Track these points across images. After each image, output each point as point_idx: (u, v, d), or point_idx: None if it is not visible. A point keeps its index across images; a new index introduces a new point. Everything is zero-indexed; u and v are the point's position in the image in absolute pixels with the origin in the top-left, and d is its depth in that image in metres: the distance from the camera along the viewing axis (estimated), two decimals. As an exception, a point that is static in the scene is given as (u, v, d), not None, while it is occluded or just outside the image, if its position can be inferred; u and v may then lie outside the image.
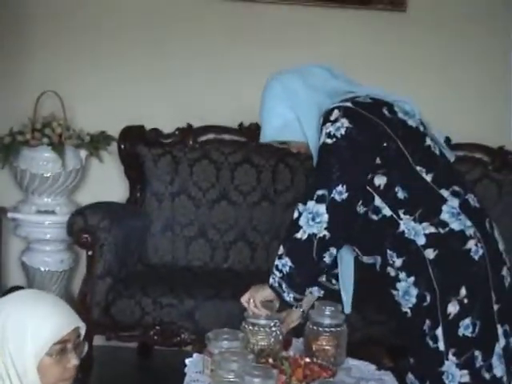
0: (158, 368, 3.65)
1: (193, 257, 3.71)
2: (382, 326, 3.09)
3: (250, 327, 2.22)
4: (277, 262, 2.09)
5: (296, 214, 2.07)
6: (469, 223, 2.04)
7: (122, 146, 3.77)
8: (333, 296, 2.34)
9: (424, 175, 2.06)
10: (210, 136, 3.86)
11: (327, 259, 2.07)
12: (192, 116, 3.87)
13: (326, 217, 2.02)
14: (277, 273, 2.08)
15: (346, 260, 2.28)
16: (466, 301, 2.00)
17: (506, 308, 2.06)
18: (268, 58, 3.81)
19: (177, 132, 3.85)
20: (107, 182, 3.92)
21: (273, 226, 3.71)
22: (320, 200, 2.03)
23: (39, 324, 1.58)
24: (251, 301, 2.19)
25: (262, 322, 2.21)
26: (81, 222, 3.27)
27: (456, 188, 2.08)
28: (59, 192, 3.74)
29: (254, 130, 3.83)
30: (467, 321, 2.00)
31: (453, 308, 2.00)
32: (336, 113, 2.06)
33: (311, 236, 2.03)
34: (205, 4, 3.91)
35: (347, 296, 2.32)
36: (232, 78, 3.92)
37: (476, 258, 2.03)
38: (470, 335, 2.01)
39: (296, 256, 2.06)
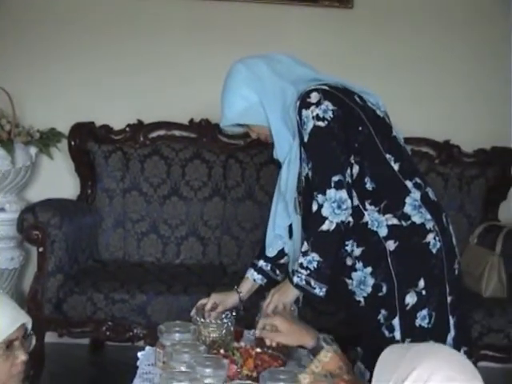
0: (111, 363, 3.64)
1: (144, 252, 3.72)
2: (331, 316, 3.14)
3: (202, 319, 2.23)
4: (301, 259, 2.03)
5: (315, 207, 2.02)
6: (429, 216, 2.08)
7: (72, 143, 3.76)
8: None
9: (392, 163, 2.08)
10: (161, 132, 3.87)
11: (349, 248, 2.09)
12: (142, 112, 3.88)
13: (349, 202, 2.01)
14: (303, 271, 2.02)
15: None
16: (423, 292, 2.04)
17: (456, 300, 2.11)
18: (218, 55, 3.82)
19: (127, 128, 3.85)
20: (57, 179, 3.91)
21: (224, 221, 3.74)
22: (339, 186, 2.00)
23: None
24: (280, 307, 2.13)
25: (213, 314, 2.23)
26: (31, 218, 3.25)
27: (418, 180, 2.12)
28: (9, 189, 3.71)
29: (204, 125, 3.85)
30: (424, 312, 2.05)
31: (411, 299, 2.04)
32: (316, 95, 2.05)
33: (339, 225, 2.01)
34: (156, 1, 3.91)
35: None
36: (182, 75, 3.93)
37: (434, 251, 2.07)
38: (426, 326, 2.05)
39: (324, 249, 2.02)
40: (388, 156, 2.09)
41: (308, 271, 2.02)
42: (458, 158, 3.83)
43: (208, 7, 3.91)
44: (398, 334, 2.05)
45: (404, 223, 2.05)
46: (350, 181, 2.03)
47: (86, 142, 3.77)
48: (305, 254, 2.03)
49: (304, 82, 2.13)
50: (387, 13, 3.92)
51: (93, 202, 3.76)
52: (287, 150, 2.15)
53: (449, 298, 2.09)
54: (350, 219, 2.04)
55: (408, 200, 2.07)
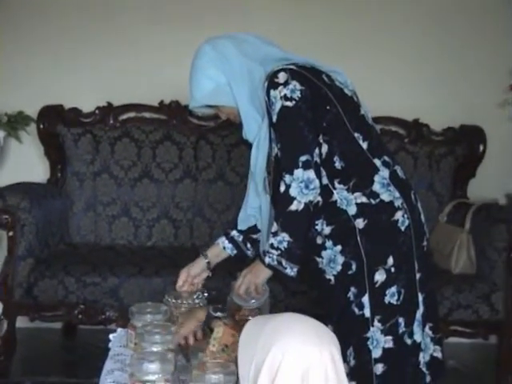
0: (84, 347, 3.62)
1: (116, 235, 3.71)
2: (304, 295, 3.17)
3: (173, 300, 2.24)
4: (272, 240, 2.04)
5: (283, 187, 2.02)
6: (397, 194, 2.09)
7: (41, 126, 3.74)
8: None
9: (361, 142, 2.09)
10: (131, 114, 3.85)
11: (319, 227, 2.10)
12: (112, 95, 3.85)
13: (317, 182, 2.01)
14: (273, 251, 2.03)
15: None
16: (392, 270, 2.06)
17: (425, 277, 2.13)
18: (186, 37, 3.80)
19: (97, 111, 3.82)
20: (27, 163, 3.87)
21: (195, 203, 3.74)
22: (306, 166, 2.00)
23: None
24: (252, 288, 2.14)
25: (185, 294, 2.24)
26: (0, 202, 3.22)
27: (386, 158, 2.13)
28: (-23, 174, 3.68)
29: (174, 107, 3.84)
30: (393, 289, 2.06)
31: (380, 276, 2.05)
32: (283, 75, 2.04)
33: (308, 204, 2.01)
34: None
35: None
36: (152, 56, 3.90)
37: (403, 228, 2.08)
38: (395, 303, 2.06)
39: (293, 229, 2.02)
40: (356, 135, 2.09)
41: (279, 251, 2.03)
42: (427, 136, 3.85)
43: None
44: (367, 312, 2.06)
45: (373, 201, 2.06)
46: (318, 160, 2.04)
47: (55, 125, 3.74)
48: (275, 234, 2.04)
49: (272, 61, 2.13)
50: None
51: (63, 185, 3.74)
52: (256, 131, 2.15)
53: (417, 275, 2.11)
54: (319, 199, 2.05)
55: (377, 178, 2.08)
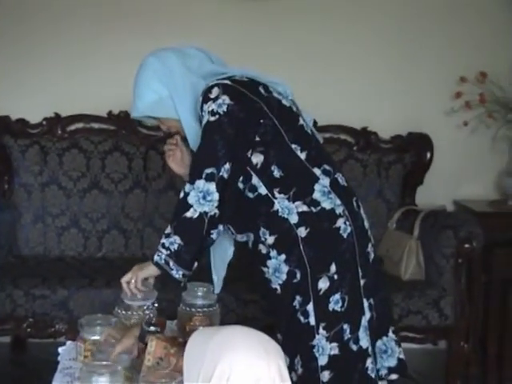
0: (33, 361, 3.58)
1: (65, 247, 3.67)
2: (255, 304, 3.16)
3: (123, 312, 2.23)
4: (163, 240, 2.08)
5: (182, 194, 2.07)
6: (338, 202, 2.11)
7: (-13, 138, 3.68)
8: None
9: (299, 153, 2.11)
10: (79, 125, 3.82)
11: (215, 236, 2.11)
12: (59, 105, 3.81)
13: (216, 195, 2.04)
14: (163, 250, 2.07)
15: (219, 240, 2.26)
16: (335, 277, 2.07)
17: (370, 283, 2.15)
18: (137, 46, 3.77)
19: (44, 122, 3.78)
20: (-28, 175, 3.81)
21: (146, 213, 3.72)
22: (209, 178, 2.03)
23: None
24: (132, 281, 2.17)
25: (137, 304, 2.22)
26: None
27: (326, 167, 2.15)
28: None
29: (123, 117, 3.81)
30: (337, 296, 2.08)
31: (323, 284, 2.07)
32: (216, 90, 2.07)
33: (202, 214, 2.04)
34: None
35: (218, 276, 2.36)
36: (100, 67, 3.87)
37: (345, 235, 2.10)
38: (339, 310, 2.08)
39: (186, 234, 2.06)
40: (294, 146, 2.12)
41: (168, 251, 2.07)
42: (375, 144, 3.89)
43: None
44: (312, 320, 2.07)
45: (314, 209, 2.08)
46: (225, 176, 2.05)
47: (2, 137, 3.69)
48: (167, 235, 2.08)
49: (214, 76, 2.16)
50: (302, 1, 3.94)
51: (10, 197, 3.69)
52: (195, 143, 2.17)
53: (362, 281, 2.13)
54: (216, 211, 2.06)
55: (317, 187, 2.10)
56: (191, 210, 2.04)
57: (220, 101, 2.06)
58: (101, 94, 3.84)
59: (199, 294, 2.33)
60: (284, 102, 2.18)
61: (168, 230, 2.08)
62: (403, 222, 3.65)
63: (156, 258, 2.10)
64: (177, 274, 2.08)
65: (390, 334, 2.20)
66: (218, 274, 2.36)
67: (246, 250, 2.23)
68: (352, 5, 3.98)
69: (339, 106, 3.92)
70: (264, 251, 2.13)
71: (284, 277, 2.09)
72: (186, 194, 2.05)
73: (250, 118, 2.09)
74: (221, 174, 2.04)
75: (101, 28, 3.87)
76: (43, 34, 3.84)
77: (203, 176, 2.04)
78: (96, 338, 2.10)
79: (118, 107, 3.79)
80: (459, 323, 3.35)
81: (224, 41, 3.76)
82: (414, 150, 3.87)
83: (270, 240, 2.11)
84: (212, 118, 2.06)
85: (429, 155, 3.86)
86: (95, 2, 3.87)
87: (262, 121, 2.09)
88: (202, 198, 2.04)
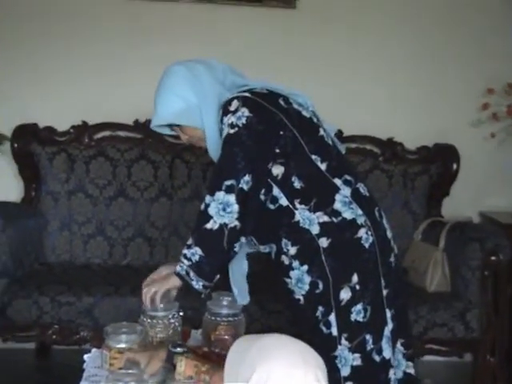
0: (58, 367, 3.59)
1: (91, 254, 3.69)
2: (280, 315, 3.16)
3: (149, 320, 2.22)
4: (185, 251, 2.08)
5: (203, 206, 2.06)
6: (360, 212, 2.10)
7: (16, 145, 3.71)
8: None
9: (319, 164, 2.10)
10: (106, 133, 3.84)
11: (237, 248, 2.10)
12: (87, 113, 3.84)
13: (236, 207, 2.02)
14: (185, 261, 2.07)
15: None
16: (357, 287, 2.06)
17: (392, 293, 2.13)
18: (163, 55, 3.79)
19: (71, 130, 3.81)
20: (1, 182, 3.85)
21: (171, 222, 3.73)
22: (229, 190, 2.02)
23: None
24: (153, 291, 2.14)
25: (160, 314, 2.22)
26: (-27, 222, 3.19)
27: (347, 177, 2.14)
28: (-50, 193, 3.64)
29: (149, 126, 3.82)
30: (359, 306, 2.06)
31: (345, 294, 2.05)
32: (235, 103, 2.07)
33: (222, 226, 2.03)
34: (100, 2, 3.88)
35: (238, 288, 2.34)
36: (126, 75, 3.90)
37: (367, 245, 2.09)
38: (361, 320, 2.06)
39: (206, 246, 2.05)
40: (314, 157, 2.11)
41: (189, 262, 2.07)
42: (401, 155, 3.88)
43: (150, 7, 3.90)
44: (334, 330, 2.06)
45: (335, 220, 2.08)
46: (245, 188, 2.04)
47: (30, 144, 3.72)
48: (189, 246, 2.08)
49: (236, 88, 2.16)
50: (329, 13, 3.94)
51: (37, 204, 3.72)
52: (216, 156, 2.16)
53: (384, 292, 2.11)
54: (237, 223, 2.05)
55: (338, 197, 2.09)
56: (211, 221, 2.04)
57: (239, 113, 2.05)
58: (127, 102, 3.87)
59: (224, 303, 2.32)
60: (304, 113, 2.17)
61: (189, 241, 2.08)
62: (429, 234, 3.63)
63: (178, 268, 2.10)
64: (197, 284, 2.08)
65: (398, 345, 2.17)
66: (238, 286, 2.35)
67: (269, 261, 2.22)
68: (377, 17, 3.98)
69: (365, 117, 3.92)
70: (286, 262, 2.12)
71: (307, 287, 2.09)
72: (207, 206, 2.05)
73: (269, 130, 2.08)
74: (240, 185, 2.03)
75: (128, 38, 3.90)
76: (72, 42, 3.88)
77: (223, 188, 2.03)
78: (121, 346, 2.10)
79: (145, 116, 3.81)
80: (485, 336, 3.32)
81: (252, 51, 3.79)
82: (441, 161, 3.85)
83: (292, 251, 2.10)
84: (231, 131, 2.05)
85: (455, 166, 3.84)
86: (124, 15, 3.90)
87: (281, 132, 2.08)
88: (222, 209, 2.03)
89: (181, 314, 2.29)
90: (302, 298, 2.11)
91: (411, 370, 2.18)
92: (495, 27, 3.96)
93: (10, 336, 3.20)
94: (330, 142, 2.20)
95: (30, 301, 3.17)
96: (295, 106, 2.16)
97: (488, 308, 3.32)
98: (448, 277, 3.43)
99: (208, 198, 2.05)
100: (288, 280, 2.13)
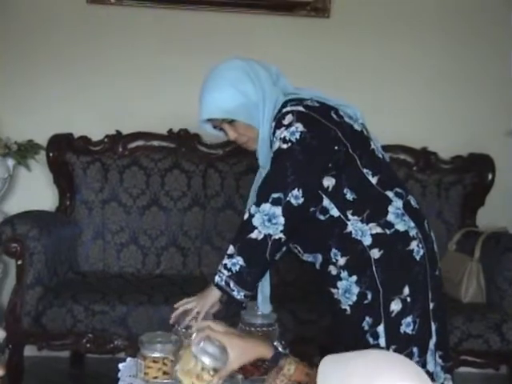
0: (92, 376, 3.61)
1: (124, 263, 3.71)
2: (313, 324, 3.15)
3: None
4: (226, 261, 2.05)
5: (246, 216, 2.05)
6: (412, 224, 2.09)
7: (51, 155, 3.75)
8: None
9: (370, 178, 2.09)
10: (139, 143, 3.86)
11: (277, 257, 2.08)
12: (121, 123, 3.87)
13: (282, 219, 2.01)
14: (225, 271, 2.05)
15: None
16: (408, 299, 2.06)
17: (438, 306, 2.13)
18: (195, 65, 3.82)
19: (106, 139, 3.84)
20: (36, 191, 3.89)
21: (204, 231, 3.74)
22: (276, 203, 2.00)
23: None
24: (195, 312, 2.13)
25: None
26: (9, 231, 3.22)
27: (398, 190, 2.13)
28: (-14, 202, 3.68)
29: (183, 135, 3.85)
30: (409, 319, 2.06)
31: (396, 306, 2.05)
32: (289, 117, 2.04)
33: (267, 236, 2.02)
34: (129, 12, 3.91)
35: (263, 296, 2.33)
36: (160, 85, 3.92)
37: (418, 258, 2.09)
38: (410, 332, 2.06)
39: (249, 255, 2.04)
40: (366, 170, 2.10)
41: (230, 273, 2.05)
42: (435, 164, 3.85)
43: (183, 16, 3.92)
44: (382, 341, 2.06)
45: (388, 231, 2.07)
46: (293, 201, 2.01)
47: (65, 154, 3.75)
48: (230, 256, 2.05)
49: (285, 93, 2.14)
50: (363, 22, 3.94)
51: (72, 213, 3.74)
52: (264, 159, 2.16)
53: (431, 305, 2.11)
54: (281, 236, 2.03)
55: (391, 209, 2.09)
56: (256, 231, 2.02)
57: (293, 128, 2.03)
58: (161, 111, 3.90)
59: (258, 312, 2.32)
60: (355, 126, 2.15)
61: (231, 250, 2.06)
62: (463, 244, 3.60)
63: (217, 279, 2.08)
64: (238, 295, 2.06)
65: (437, 357, 2.15)
66: (264, 293, 2.34)
67: (305, 271, 2.22)
68: (413, 27, 3.97)
69: (399, 126, 3.90)
70: (334, 272, 2.12)
71: (354, 298, 2.09)
72: (251, 216, 2.04)
73: (323, 145, 2.05)
74: (288, 199, 2.01)
75: (162, 47, 3.93)
76: (105, 52, 3.92)
77: (270, 200, 2.01)
78: (156, 355, 2.10)
79: (178, 125, 3.83)
80: (521, 348, 3.27)
81: (286, 61, 3.78)
82: (475, 171, 3.81)
83: (342, 261, 2.10)
84: (284, 146, 2.03)
85: (490, 176, 3.80)
86: (158, 24, 3.93)
87: (336, 147, 2.07)
88: (267, 220, 2.01)
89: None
90: (348, 308, 2.11)
91: (449, 383, 2.16)
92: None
93: (44, 344, 3.22)
94: (380, 155, 2.19)
95: (65, 309, 3.19)
96: (347, 120, 2.14)
97: (524, 319, 3.28)
98: (483, 287, 3.39)
99: (253, 209, 2.04)
100: (334, 290, 2.13)
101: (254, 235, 2.02)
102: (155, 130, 3.87)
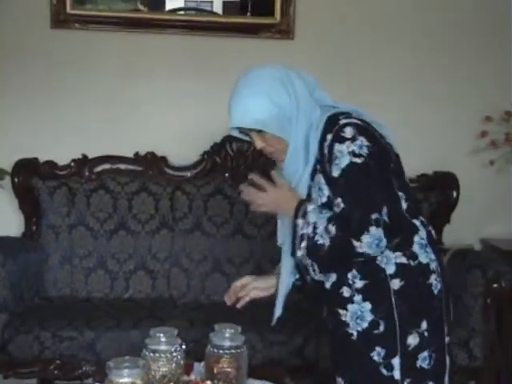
0: (60, 403, 3.57)
1: (92, 288, 3.67)
2: (282, 346, 3.15)
3: (151, 354, 2.21)
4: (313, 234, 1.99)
5: (357, 244, 1.93)
6: (433, 256, 2.06)
7: (16, 180, 3.72)
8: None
9: (403, 202, 2.05)
10: (106, 166, 3.85)
11: None
12: (87, 147, 3.85)
13: (384, 241, 1.95)
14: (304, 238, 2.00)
15: (287, 267, 2.21)
16: (426, 334, 2.03)
17: (451, 340, 2.12)
18: (159, 88, 3.86)
19: (72, 163, 3.82)
20: (1, 216, 3.85)
21: (172, 254, 3.72)
22: (378, 224, 1.92)
23: None
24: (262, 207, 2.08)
25: (163, 348, 2.21)
26: (-26, 257, 3.19)
27: (422, 218, 2.11)
28: (-49, 228, 3.64)
29: (150, 158, 3.85)
30: (425, 353, 2.03)
31: (413, 340, 2.02)
32: (350, 130, 1.98)
33: (363, 254, 1.95)
34: (96, 36, 3.92)
35: (280, 300, 2.29)
36: (126, 108, 3.92)
37: (436, 292, 2.06)
38: (426, 367, 2.03)
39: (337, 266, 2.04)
40: (400, 194, 2.05)
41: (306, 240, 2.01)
42: (401, 183, 3.88)
43: (147, 40, 3.93)
44: (397, 374, 2.02)
45: (412, 263, 2.03)
46: (386, 219, 1.96)
47: (31, 179, 3.73)
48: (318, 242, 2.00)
49: (321, 105, 2.08)
50: (327, 44, 3.98)
51: (38, 238, 3.71)
52: (294, 173, 2.09)
53: (446, 339, 2.09)
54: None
55: (416, 239, 2.05)
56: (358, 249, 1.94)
57: (359, 142, 1.96)
58: (127, 135, 3.89)
59: (227, 335, 2.31)
60: (394, 147, 2.12)
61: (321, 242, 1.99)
62: (430, 262, 3.61)
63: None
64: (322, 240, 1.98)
65: None
66: (281, 298, 2.28)
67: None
68: (377, 49, 4.02)
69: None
70: (347, 294, 2.06)
71: (365, 325, 2.03)
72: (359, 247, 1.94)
73: (385, 161, 2.02)
74: (383, 217, 1.95)
75: (127, 69, 3.93)
76: (71, 76, 3.90)
77: (372, 223, 1.91)
78: (124, 380, 2.08)
79: (145, 148, 3.83)
80: (489, 364, 3.29)
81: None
82: (440, 189, 3.85)
83: (359, 284, 2.04)
84: (357, 160, 1.94)
85: (455, 194, 3.83)
86: (123, 47, 3.94)
87: (392, 165, 2.04)
88: (376, 245, 1.93)
89: (183, 347, 2.28)
90: (355, 333, 2.05)
91: None
92: (492, 56, 3.98)
93: (11, 372, 3.18)
94: (408, 181, 2.16)
95: (31, 336, 3.16)
96: (387, 140, 2.10)
97: (491, 336, 3.30)
98: (450, 304, 3.40)
99: (366, 238, 1.92)
100: (342, 311, 2.07)
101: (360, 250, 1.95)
102: (121, 153, 3.86)
